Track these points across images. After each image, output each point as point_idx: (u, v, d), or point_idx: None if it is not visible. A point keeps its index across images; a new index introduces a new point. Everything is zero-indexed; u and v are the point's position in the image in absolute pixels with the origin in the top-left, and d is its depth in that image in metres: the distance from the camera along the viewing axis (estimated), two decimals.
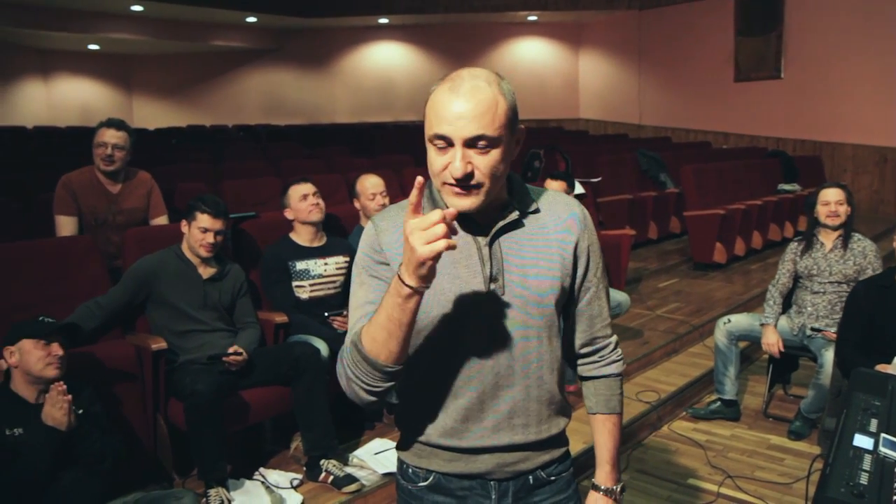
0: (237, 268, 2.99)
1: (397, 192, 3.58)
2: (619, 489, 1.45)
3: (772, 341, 3.52)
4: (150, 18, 11.58)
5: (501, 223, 1.28)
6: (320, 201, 3.22)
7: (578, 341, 1.41)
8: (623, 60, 13.19)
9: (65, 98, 13.30)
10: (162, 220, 3.47)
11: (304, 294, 3.15)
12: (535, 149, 7.90)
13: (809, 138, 10.11)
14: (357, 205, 3.49)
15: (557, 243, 1.31)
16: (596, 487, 1.44)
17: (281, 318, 3.03)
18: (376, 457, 2.93)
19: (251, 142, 8.91)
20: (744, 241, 6.74)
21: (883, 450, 1.75)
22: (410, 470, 1.38)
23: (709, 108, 11.53)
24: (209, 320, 2.83)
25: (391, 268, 1.27)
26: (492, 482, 1.33)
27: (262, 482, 2.74)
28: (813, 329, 3.45)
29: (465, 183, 1.18)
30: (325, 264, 3.20)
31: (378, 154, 6.95)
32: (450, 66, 14.35)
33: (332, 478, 2.70)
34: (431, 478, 1.35)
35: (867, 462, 1.69)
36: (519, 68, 14.13)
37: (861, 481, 1.60)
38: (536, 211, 1.32)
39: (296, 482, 2.74)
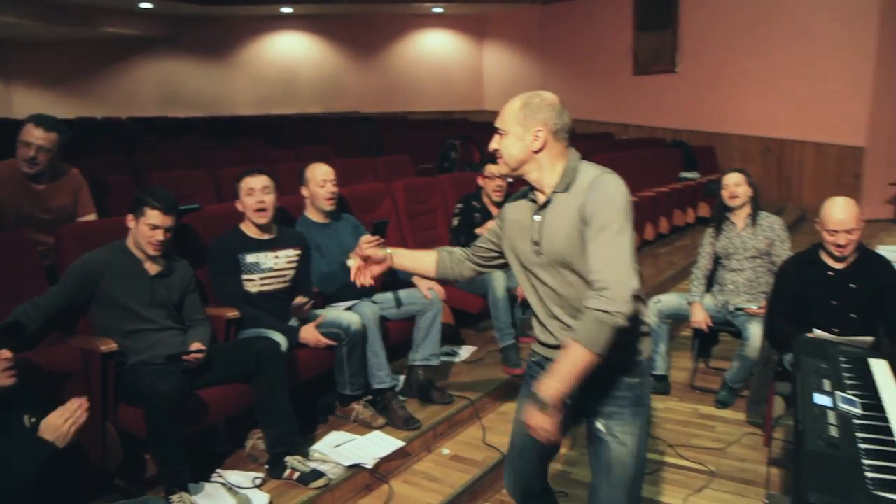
0: (185, 263, 2.87)
1: (339, 180, 3.52)
2: (547, 399, 1.64)
3: (700, 318, 3.75)
4: (31, 0, 10.79)
5: (541, 203, 1.85)
6: (266, 198, 3.08)
7: (587, 279, 1.71)
8: (526, 53, 13.49)
9: None
10: (90, 217, 3.27)
11: (253, 288, 3.05)
12: (450, 139, 7.99)
13: (702, 129, 10.71)
14: (305, 192, 3.43)
15: (575, 210, 1.74)
16: (532, 393, 1.69)
17: (232, 313, 2.94)
18: (337, 449, 2.90)
19: (154, 134, 8.50)
20: (653, 226, 7.10)
21: (842, 406, 1.92)
22: (531, 352, 2.02)
23: (610, 100, 11.99)
24: (159, 318, 2.70)
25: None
26: None
27: (223, 484, 2.66)
28: (737, 309, 3.70)
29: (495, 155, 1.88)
30: (276, 257, 3.12)
31: (296, 145, 6.81)
32: (354, 58, 14.35)
33: (297, 474, 2.65)
34: (535, 357, 1.99)
35: (831, 417, 1.85)
36: (423, 60, 14.18)
37: (832, 434, 1.76)
38: (569, 188, 1.78)
39: (258, 481, 2.68)
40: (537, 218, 1.83)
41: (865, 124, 8.90)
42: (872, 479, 1.61)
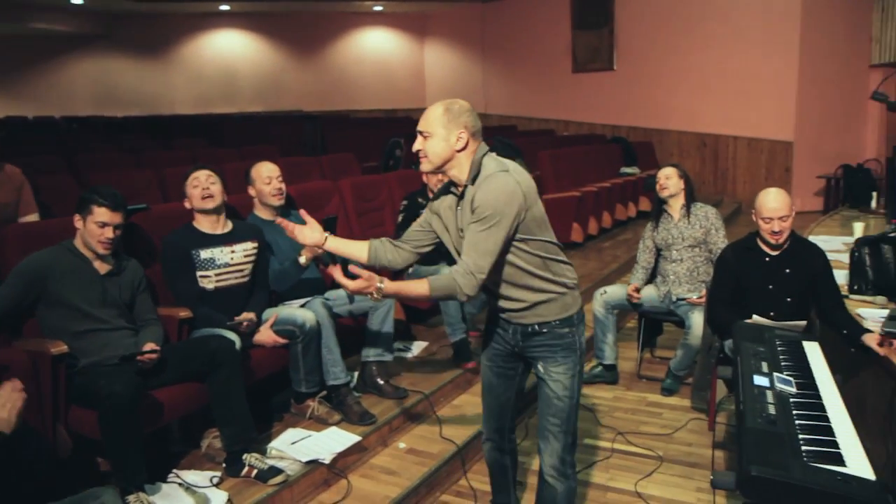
0: (135, 262, 2.82)
1: (285, 179, 3.51)
2: (380, 290, 2.01)
3: (631, 289, 3.92)
4: None
5: (458, 195, 2.13)
6: (211, 186, 3.06)
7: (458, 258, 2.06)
8: (467, 51, 13.62)
9: None
10: (32, 217, 3.19)
11: (209, 285, 3.01)
12: (395, 138, 8.02)
13: (641, 125, 11.03)
14: (252, 191, 3.40)
15: (470, 202, 2.02)
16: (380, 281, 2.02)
17: (185, 313, 2.90)
18: (294, 446, 2.91)
19: (90, 133, 8.26)
20: (596, 221, 7.27)
21: (779, 385, 2.05)
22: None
23: (550, 97, 12.22)
24: (110, 318, 2.65)
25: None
26: (509, 324, 2.22)
27: (180, 483, 2.64)
28: (679, 299, 3.85)
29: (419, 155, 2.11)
30: (233, 252, 3.08)
31: (239, 144, 6.72)
32: (295, 56, 14.20)
33: (255, 471, 2.65)
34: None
35: (770, 397, 1.97)
36: (365, 59, 14.15)
37: (770, 412, 1.87)
38: (475, 180, 2.04)
39: (216, 480, 2.66)
40: (459, 209, 2.11)
41: (793, 120, 9.32)
42: (807, 451, 1.73)
